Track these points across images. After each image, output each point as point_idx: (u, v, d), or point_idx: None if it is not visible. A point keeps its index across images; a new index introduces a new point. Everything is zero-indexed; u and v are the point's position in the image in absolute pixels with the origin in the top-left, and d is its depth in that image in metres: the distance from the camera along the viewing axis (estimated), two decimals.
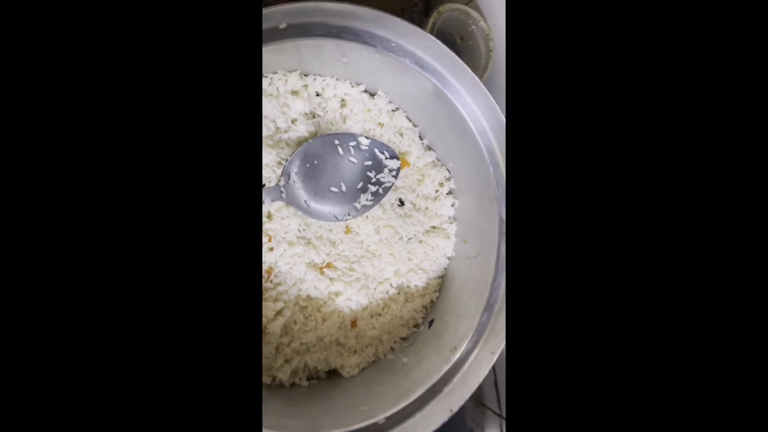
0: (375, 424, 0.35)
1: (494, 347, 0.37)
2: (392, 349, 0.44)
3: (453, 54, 0.36)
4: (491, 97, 0.36)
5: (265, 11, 0.31)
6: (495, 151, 0.38)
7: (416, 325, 0.45)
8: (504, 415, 0.50)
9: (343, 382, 0.42)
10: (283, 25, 0.32)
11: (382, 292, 0.43)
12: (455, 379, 0.37)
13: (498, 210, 0.39)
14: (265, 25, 0.32)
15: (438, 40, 0.35)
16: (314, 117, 0.41)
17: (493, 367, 0.38)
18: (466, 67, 0.36)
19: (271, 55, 0.35)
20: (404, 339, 0.44)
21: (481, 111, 0.37)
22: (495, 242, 0.39)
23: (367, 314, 0.42)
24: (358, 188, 0.41)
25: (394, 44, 0.35)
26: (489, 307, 0.39)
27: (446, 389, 0.37)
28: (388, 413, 0.36)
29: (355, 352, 0.42)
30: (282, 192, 0.38)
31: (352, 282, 0.41)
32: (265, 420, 0.32)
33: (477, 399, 0.55)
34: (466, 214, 0.44)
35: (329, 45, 0.35)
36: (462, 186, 0.44)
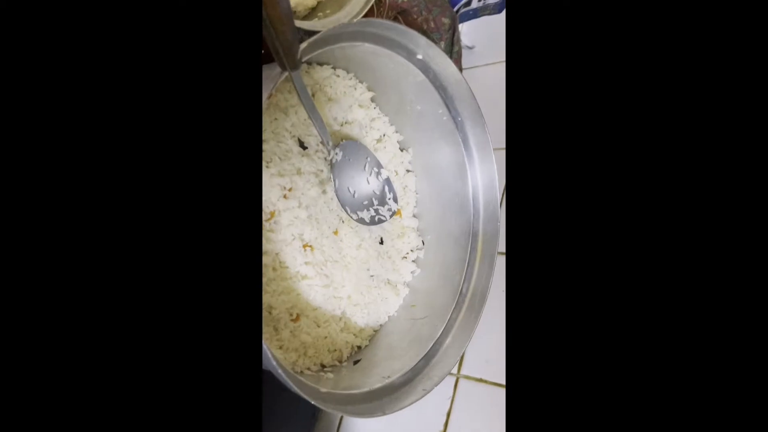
0: None
1: (426, 386, 0.37)
2: (310, 369, 0.40)
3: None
4: (496, 173, 0.45)
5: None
6: (479, 230, 0.45)
7: (340, 360, 0.42)
8: None
9: None
10: (419, 56, 0.41)
11: (333, 304, 0.42)
12: (386, 398, 0.36)
13: (460, 283, 0.45)
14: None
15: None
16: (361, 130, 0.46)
17: None
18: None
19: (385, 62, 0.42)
20: (324, 366, 0.41)
21: (482, 188, 0.45)
22: (449, 310, 0.44)
23: (312, 315, 0.40)
24: (364, 204, 0.44)
25: (460, 119, 0.45)
26: (428, 356, 0.41)
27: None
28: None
29: (281, 347, 0.38)
30: (335, 158, 0.40)
31: (319, 275, 0.40)
32: None
33: None
34: (423, 284, 0.48)
35: (428, 92, 0.43)
36: (430, 258, 0.49)
